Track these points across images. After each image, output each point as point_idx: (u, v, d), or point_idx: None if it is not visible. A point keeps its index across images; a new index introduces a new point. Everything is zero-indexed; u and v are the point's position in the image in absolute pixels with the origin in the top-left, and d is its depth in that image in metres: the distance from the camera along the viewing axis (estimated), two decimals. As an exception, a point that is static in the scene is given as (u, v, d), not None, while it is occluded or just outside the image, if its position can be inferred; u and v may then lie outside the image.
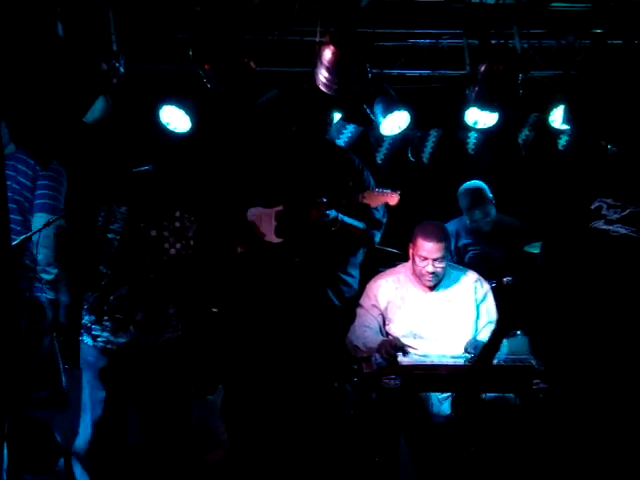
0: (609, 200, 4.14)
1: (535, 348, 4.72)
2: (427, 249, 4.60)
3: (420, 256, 4.63)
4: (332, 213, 4.69)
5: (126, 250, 4.01)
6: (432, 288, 4.73)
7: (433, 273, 4.64)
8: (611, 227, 4.12)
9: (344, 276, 4.92)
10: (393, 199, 4.68)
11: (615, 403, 4.00)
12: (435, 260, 4.61)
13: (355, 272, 5.00)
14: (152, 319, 4.04)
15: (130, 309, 4.00)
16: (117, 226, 4.04)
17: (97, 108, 5.65)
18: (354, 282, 4.98)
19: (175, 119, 5.83)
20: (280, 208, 4.85)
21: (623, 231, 4.10)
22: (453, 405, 4.45)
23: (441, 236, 4.64)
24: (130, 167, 4.12)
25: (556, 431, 4.13)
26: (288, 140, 5.12)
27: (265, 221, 4.90)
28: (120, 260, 4.01)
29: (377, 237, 5.01)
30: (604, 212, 4.14)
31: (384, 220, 4.97)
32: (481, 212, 5.83)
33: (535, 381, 4.29)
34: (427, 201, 6.46)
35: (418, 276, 4.71)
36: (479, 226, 5.86)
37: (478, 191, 5.87)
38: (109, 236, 4.03)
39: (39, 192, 4.26)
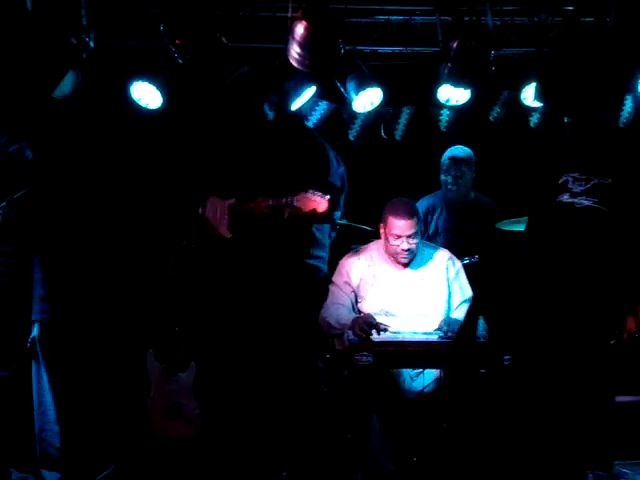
0: (575, 174, 4.24)
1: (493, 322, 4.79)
2: (400, 226, 4.60)
3: (393, 235, 4.63)
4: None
5: None
6: (405, 265, 4.74)
7: (408, 250, 4.65)
8: (575, 200, 4.21)
9: (310, 261, 4.85)
10: (322, 205, 4.36)
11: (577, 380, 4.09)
12: (409, 237, 4.62)
13: (320, 252, 4.91)
14: None
15: None
16: None
17: (66, 83, 5.58)
18: (321, 262, 4.90)
19: (146, 95, 5.78)
20: (232, 201, 4.67)
21: (586, 203, 4.20)
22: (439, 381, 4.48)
23: (412, 212, 4.65)
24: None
25: (523, 405, 4.20)
26: (253, 127, 5.03)
27: (220, 213, 4.71)
28: None
29: (337, 215, 4.88)
30: (570, 185, 4.23)
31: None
32: (458, 169, 5.83)
33: (506, 357, 4.33)
34: (399, 178, 6.47)
35: (392, 255, 4.72)
36: (452, 189, 5.84)
37: (465, 150, 5.92)
38: None
39: None
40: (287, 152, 4.80)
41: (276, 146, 4.83)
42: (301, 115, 6.07)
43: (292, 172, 4.68)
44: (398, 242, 4.63)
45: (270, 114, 4.80)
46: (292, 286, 4.78)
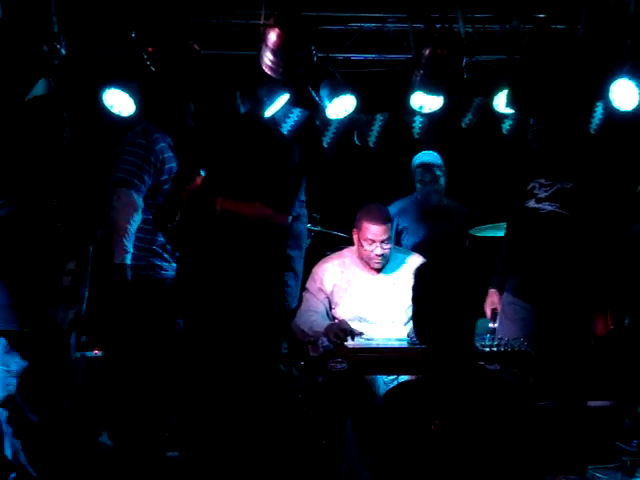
0: (542, 180, 4.33)
1: None
2: (374, 232, 4.61)
3: (367, 240, 4.64)
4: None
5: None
6: (378, 271, 4.74)
7: (382, 255, 4.65)
8: (540, 205, 4.31)
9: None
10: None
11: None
12: (383, 242, 4.63)
13: (295, 265, 4.98)
14: None
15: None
16: None
17: (38, 91, 5.55)
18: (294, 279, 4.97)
19: (119, 102, 5.76)
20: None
21: (549, 208, 4.28)
22: None
23: (385, 217, 4.67)
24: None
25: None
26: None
27: None
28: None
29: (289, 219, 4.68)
30: (536, 191, 4.32)
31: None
32: (432, 174, 5.81)
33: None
34: (373, 184, 6.49)
35: (365, 260, 4.72)
36: (430, 192, 5.83)
37: (434, 155, 5.90)
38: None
39: None
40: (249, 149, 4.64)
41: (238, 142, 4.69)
42: (275, 121, 6.08)
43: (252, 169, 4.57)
44: (372, 247, 4.64)
45: (242, 106, 4.77)
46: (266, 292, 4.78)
